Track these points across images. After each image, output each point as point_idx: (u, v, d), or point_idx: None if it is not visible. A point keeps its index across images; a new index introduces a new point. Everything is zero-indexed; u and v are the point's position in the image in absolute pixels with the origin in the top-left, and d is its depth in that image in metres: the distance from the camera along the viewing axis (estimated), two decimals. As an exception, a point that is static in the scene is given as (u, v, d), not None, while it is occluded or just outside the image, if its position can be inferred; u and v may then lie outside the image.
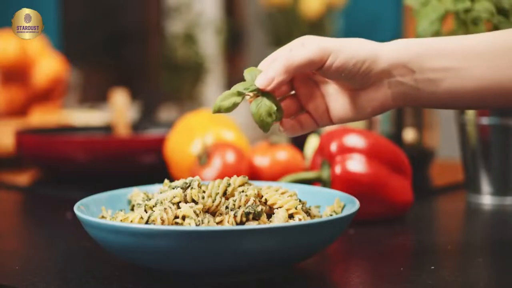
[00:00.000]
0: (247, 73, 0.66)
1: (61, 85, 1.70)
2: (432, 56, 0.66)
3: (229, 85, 4.29)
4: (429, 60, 0.66)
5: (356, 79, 0.66)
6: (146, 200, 0.70)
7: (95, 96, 3.07)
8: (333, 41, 0.65)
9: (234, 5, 4.60)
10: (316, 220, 0.61)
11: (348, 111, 0.68)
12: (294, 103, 0.70)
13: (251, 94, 0.65)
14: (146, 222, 0.63)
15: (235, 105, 0.64)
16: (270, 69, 0.64)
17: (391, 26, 3.36)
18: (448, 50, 0.66)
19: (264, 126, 0.64)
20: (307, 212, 0.68)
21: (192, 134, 1.05)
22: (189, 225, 0.62)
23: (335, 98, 0.69)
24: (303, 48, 0.65)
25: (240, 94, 0.65)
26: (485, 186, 0.98)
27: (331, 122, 0.69)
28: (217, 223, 0.64)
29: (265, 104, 0.64)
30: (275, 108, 0.64)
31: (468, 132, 0.99)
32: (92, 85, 3.21)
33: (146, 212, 0.65)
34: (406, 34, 3.22)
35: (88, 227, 0.63)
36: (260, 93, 0.65)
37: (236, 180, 0.68)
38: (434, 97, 0.66)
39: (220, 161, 0.94)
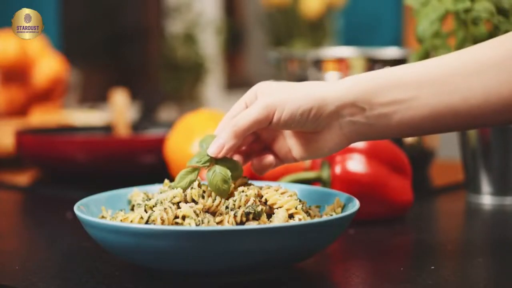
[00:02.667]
0: (202, 142, 0.69)
1: (61, 85, 1.70)
2: (381, 90, 0.65)
3: (229, 85, 4.30)
4: (378, 95, 0.65)
5: (306, 126, 0.67)
6: (146, 200, 0.70)
7: (95, 96, 3.07)
8: (280, 94, 0.66)
9: (234, 5, 4.60)
10: (316, 220, 0.61)
11: (307, 152, 0.70)
12: (259, 144, 0.73)
13: (206, 165, 0.67)
14: (146, 222, 0.63)
15: (191, 182, 0.67)
16: (220, 136, 0.67)
17: (391, 26, 3.36)
18: (396, 82, 0.65)
19: (221, 193, 0.66)
20: (307, 212, 0.68)
21: (192, 134, 1.05)
22: (189, 225, 0.62)
23: (294, 141, 0.71)
24: (248, 110, 0.66)
25: (194, 170, 0.67)
26: (485, 186, 0.98)
27: (295, 160, 0.71)
28: (217, 223, 0.64)
29: (219, 172, 0.66)
30: (229, 173, 0.66)
31: (468, 132, 0.99)
32: (92, 85, 3.21)
33: (146, 212, 0.65)
34: (406, 34, 3.22)
35: (88, 227, 0.63)
36: (214, 160, 0.67)
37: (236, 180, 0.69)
38: (388, 130, 0.66)
39: (220, 161, 0.93)
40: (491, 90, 0.64)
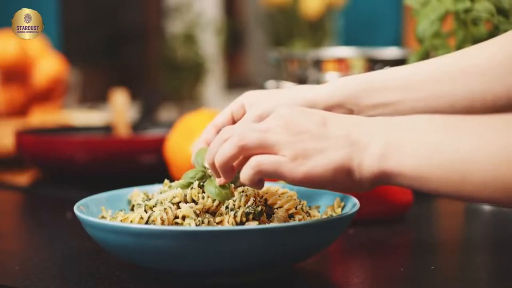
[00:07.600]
0: (197, 156, 0.69)
1: (61, 85, 1.70)
2: (368, 92, 0.66)
3: (229, 85, 4.30)
4: (365, 97, 0.66)
5: None
6: (146, 200, 0.70)
7: (95, 96, 3.07)
8: (268, 103, 0.67)
9: (234, 5, 4.60)
10: (316, 220, 0.61)
11: None
12: None
13: (202, 181, 0.67)
14: (146, 222, 0.63)
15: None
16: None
17: (391, 26, 3.36)
18: (383, 85, 0.66)
19: (222, 198, 0.65)
20: (307, 212, 0.68)
21: (192, 134, 1.05)
22: (189, 225, 0.62)
23: None
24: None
25: (189, 184, 0.68)
26: (485, 186, 0.98)
27: None
28: (217, 223, 0.64)
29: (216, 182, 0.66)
30: None
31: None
32: (92, 85, 3.20)
33: (146, 212, 0.65)
34: (406, 34, 3.22)
35: (88, 227, 0.63)
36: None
37: (236, 180, 0.69)
38: None
39: (220, 161, 0.93)
40: (475, 96, 0.64)
